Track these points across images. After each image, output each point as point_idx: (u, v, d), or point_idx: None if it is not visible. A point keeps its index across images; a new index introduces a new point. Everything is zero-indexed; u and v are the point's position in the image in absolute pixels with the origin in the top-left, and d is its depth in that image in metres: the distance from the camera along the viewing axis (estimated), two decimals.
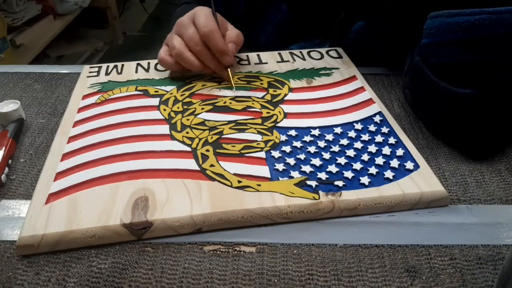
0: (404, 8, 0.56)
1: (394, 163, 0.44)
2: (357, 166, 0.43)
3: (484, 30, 0.42)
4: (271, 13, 0.70)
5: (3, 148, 0.46)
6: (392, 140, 0.47)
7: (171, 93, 0.55)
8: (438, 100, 0.47)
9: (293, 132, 0.48)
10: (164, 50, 0.58)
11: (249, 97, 0.54)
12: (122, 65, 0.62)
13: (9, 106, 0.52)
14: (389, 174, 0.42)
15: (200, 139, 0.47)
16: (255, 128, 0.49)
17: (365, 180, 0.42)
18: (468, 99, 0.44)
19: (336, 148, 0.46)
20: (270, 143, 0.47)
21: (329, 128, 0.49)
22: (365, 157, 0.45)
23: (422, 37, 0.47)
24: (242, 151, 0.46)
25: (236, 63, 0.62)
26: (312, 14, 0.67)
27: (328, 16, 0.66)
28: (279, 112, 0.52)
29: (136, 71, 0.61)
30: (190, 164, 0.44)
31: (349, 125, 0.49)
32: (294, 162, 0.44)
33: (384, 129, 0.48)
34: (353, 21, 0.65)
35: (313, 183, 0.41)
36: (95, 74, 0.60)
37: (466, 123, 0.46)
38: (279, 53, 0.64)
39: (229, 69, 0.57)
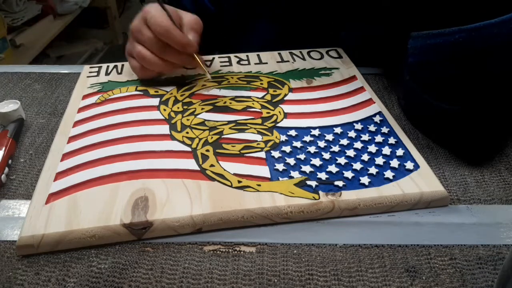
0: (394, 18, 0.55)
1: (394, 163, 0.44)
2: (357, 166, 0.43)
3: (464, 48, 0.41)
4: (255, 28, 0.68)
5: (3, 148, 0.46)
6: (392, 140, 0.47)
7: (171, 93, 0.55)
8: (431, 115, 0.48)
9: (293, 132, 0.48)
10: (131, 61, 0.56)
11: (249, 97, 0.54)
12: (122, 65, 0.62)
13: (9, 106, 0.52)
14: (389, 174, 0.42)
15: (200, 139, 0.47)
16: (255, 128, 0.49)
17: (365, 180, 0.42)
18: (459, 115, 0.44)
19: (336, 148, 0.46)
20: (270, 143, 0.47)
21: (329, 128, 0.49)
22: (365, 157, 0.45)
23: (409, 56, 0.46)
24: (242, 151, 0.46)
25: (236, 63, 0.62)
26: (298, 27, 0.66)
27: (315, 27, 0.65)
28: (279, 112, 0.51)
29: None
30: (190, 164, 0.44)
31: (349, 125, 0.49)
32: (294, 162, 0.44)
33: (384, 129, 0.48)
34: (340, 29, 0.64)
35: (313, 183, 0.41)
36: (95, 74, 0.60)
37: (461, 136, 0.46)
38: (279, 53, 0.64)
39: (195, 56, 0.55)
